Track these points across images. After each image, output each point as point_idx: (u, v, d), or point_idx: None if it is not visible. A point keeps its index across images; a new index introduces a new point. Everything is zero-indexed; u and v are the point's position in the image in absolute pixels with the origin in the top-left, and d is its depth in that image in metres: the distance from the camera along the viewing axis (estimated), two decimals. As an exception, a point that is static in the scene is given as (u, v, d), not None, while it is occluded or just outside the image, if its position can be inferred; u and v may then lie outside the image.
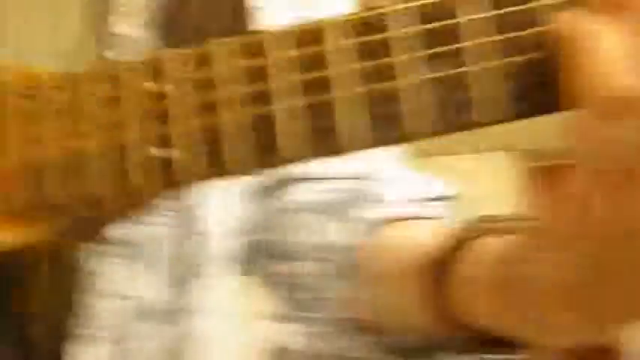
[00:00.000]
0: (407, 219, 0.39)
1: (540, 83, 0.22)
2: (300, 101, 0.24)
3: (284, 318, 0.42)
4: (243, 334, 0.46)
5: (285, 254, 0.43)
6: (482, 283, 0.27)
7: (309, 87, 0.24)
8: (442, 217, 0.39)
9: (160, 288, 0.40)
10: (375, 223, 0.38)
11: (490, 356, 0.30)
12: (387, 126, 0.23)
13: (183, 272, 0.41)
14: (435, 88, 0.23)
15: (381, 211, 0.39)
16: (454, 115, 0.23)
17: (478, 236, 0.30)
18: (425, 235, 0.33)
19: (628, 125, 0.19)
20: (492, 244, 0.28)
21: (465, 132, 0.23)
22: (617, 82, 0.19)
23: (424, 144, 0.25)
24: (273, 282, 0.44)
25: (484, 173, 3.94)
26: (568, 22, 0.21)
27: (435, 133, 0.23)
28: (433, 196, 0.41)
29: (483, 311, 0.27)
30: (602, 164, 0.20)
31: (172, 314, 0.40)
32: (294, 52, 0.24)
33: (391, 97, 0.23)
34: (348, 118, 0.23)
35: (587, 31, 0.20)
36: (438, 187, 0.42)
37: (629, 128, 0.19)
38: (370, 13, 0.24)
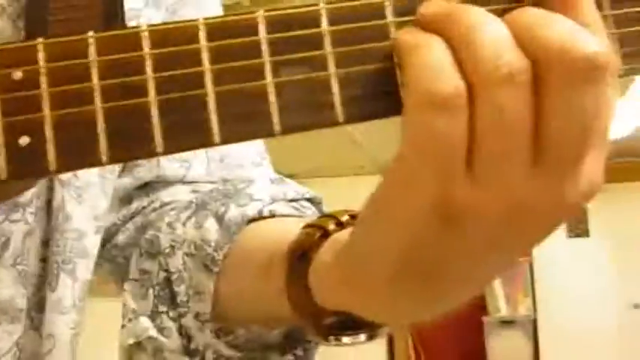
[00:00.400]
0: (273, 216, 0.41)
1: (391, 88, 0.25)
2: (171, 95, 0.25)
3: (154, 313, 0.43)
4: (112, 331, 0.47)
5: (154, 251, 0.44)
6: (331, 267, 0.30)
7: (179, 82, 0.25)
8: (306, 215, 0.42)
9: (20, 286, 0.39)
10: (243, 220, 0.40)
11: (347, 339, 0.33)
12: (255, 122, 0.25)
13: (47, 270, 0.41)
14: (299, 88, 0.25)
15: (249, 209, 0.41)
16: (317, 113, 0.25)
17: (338, 229, 0.32)
18: (289, 231, 0.35)
19: (443, 123, 0.22)
20: (345, 233, 0.30)
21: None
22: (435, 87, 0.22)
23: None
24: (142, 278, 0.45)
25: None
26: (403, 36, 0.25)
27: (298, 130, 0.25)
28: (298, 197, 0.44)
29: (332, 293, 0.30)
30: (424, 155, 0.23)
31: (32, 312, 0.40)
32: (164, 48, 0.25)
33: (259, 95, 0.25)
34: (217, 113, 0.25)
35: (415, 43, 0.24)
36: (301, 189, 0.45)
37: (444, 125, 0.22)
38: (239, 17, 0.26)
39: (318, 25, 0.25)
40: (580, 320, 4.72)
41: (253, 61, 0.25)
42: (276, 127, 0.25)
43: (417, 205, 0.24)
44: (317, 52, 0.25)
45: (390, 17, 0.26)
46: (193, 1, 0.50)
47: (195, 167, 0.49)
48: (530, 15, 0.23)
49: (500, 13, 0.24)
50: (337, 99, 0.25)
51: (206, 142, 0.25)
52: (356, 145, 4.18)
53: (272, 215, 0.41)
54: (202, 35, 0.25)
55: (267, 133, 0.25)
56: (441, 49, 0.23)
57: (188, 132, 0.25)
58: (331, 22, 0.25)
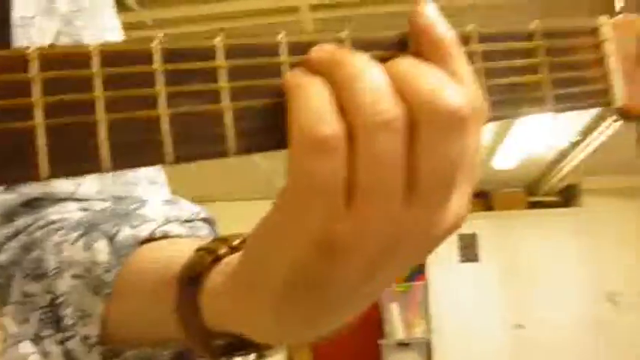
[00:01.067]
0: (166, 237, 0.41)
1: (281, 123, 0.26)
2: (60, 119, 0.25)
3: (38, 338, 0.41)
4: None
5: (39, 272, 0.42)
6: (221, 290, 0.31)
7: (69, 107, 0.25)
8: (199, 236, 0.42)
9: None
10: (135, 242, 0.40)
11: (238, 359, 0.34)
12: (146, 150, 0.25)
13: None
14: (193, 120, 0.26)
15: (141, 230, 0.41)
16: (209, 145, 0.26)
17: (230, 252, 0.33)
18: (181, 253, 0.35)
19: (322, 164, 0.24)
20: (236, 257, 0.31)
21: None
22: (315, 130, 0.24)
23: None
24: (25, 301, 0.43)
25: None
26: (290, 76, 0.26)
27: (191, 160, 0.26)
28: (192, 217, 0.44)
29: (222, 315, 0.31)
30: (305, 193, 0.24)
31: None
32: (54, 71, 0.25)
33: (152, 124, 0.25)
34: (108, 139, 0.25)
35: (298, 85, 0.25)
36: (195, 209, 0.45)
37: (323, 167, 0.24)
38: (136, 46, 0.26)
39: (213, 58, 0.26)
40: (471, 341, 4.95)
41: (148, 89, 0.25)
42: (168, 157, 0.25)
43: (300, 237, 0.25)
44: (212, 85, 0.26)
45: (284, 56, 0.27)
46: (89, 12, 0.49)
47: (87, 184, 0.47)
48: (406, 65, 0.26)
49: (384, 58, 0.26)
50: (230, 132, 0.26)
51: (95, 168, 0.25)
52: (265, 171, 4.18)
53: (165, 236, 0.41)
54: (96, 61, 0.25)
55: (158, 161, 0.25)
56: (323, 92, 0.25)
57: (76, 158, 0.25)
58: (228, 56, 0.26)
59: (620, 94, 0.31)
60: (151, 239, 0.40)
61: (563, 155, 4.10)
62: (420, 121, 0.24)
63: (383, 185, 0.24)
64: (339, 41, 0.27)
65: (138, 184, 0.49)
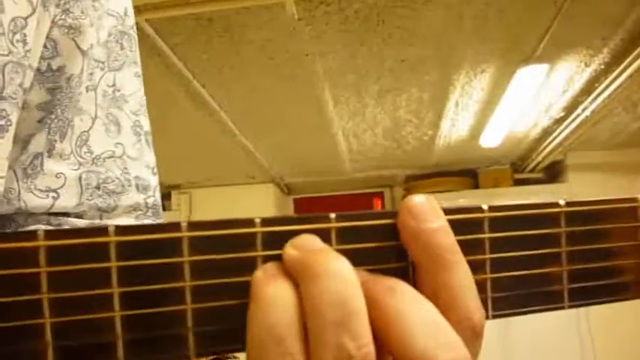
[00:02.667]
0: None
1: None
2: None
3: None
4: None
5: None
6: None
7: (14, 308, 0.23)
8: None
9: None
10: None
11: None
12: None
13: None
14: (151, 321, 0.24)
15: None
16: (173, 347, 0.24)
17: None
18: None
19: None
20: None
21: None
22: (275, 348, 0.23)
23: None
24: None
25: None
26: (258, 279, 0.25)
27: None
28: None
29: None
30: None
31: None
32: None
33: (105, 328, 0.23)
34: (53, 343, 0.23)
35: (263, 297, 0.24)
36: None
37: None
38: (87, 240, 0.24)
39: (180, 254, 0.24)
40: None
41: (99, 291, 0.23)
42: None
43: None
44: (175, 284, 0.24)
45: (259, 249, 0.25)
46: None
47: (65, 197, 0.46)
48: (394, 300, 0.24)
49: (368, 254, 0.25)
50: (192, 332, 0.24)
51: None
52: (248, 154, 4.18)
53: None
54: (43, 256, 0.23)
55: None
56: (286, 312, 0.23)
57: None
58: (192, 250, 0.24)
59: None
60: None
61: (547, 132, 4.13)
62: None
63: None
64: (324, 231, 0.25)
65: (123, 192, 0.48)
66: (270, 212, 5.04)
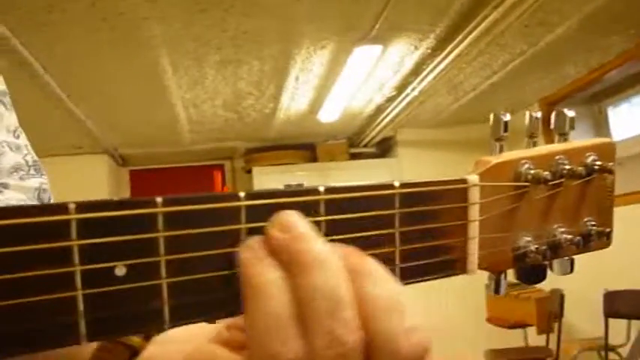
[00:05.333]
0: None
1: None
2: None
3: None
4: None
5: None
6: None
7: None
8: None
9: None
10: None
11: None
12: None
13: None
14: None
15: None
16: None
17: None
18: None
19: None
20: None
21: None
22: (275, 352, 0.24)
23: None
24: None
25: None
26: (248, 262, 0.25)
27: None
28: None
29: None
30: None
31: None
32: None
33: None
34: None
35: (257, 285, 0.24)
36: None
37: None
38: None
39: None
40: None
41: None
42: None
43: None
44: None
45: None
46: None
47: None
48: (378, 289, 0.26)
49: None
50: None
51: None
52: (78, 122, 3.87)
53: None
54: None
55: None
56: (281, 301, 0.24)
57: None
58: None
59: (475, 262, 0.30)
60: None
61: (380, 109, 4.38)
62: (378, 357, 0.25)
63: None
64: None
65: (1, 154, 0.48)
66: (104, 184, 4.76)
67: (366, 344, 0.25)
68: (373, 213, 0.26)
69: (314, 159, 5.19)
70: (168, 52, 2.95)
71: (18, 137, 0.53)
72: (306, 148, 5.13)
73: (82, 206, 0.22)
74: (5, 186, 0.45)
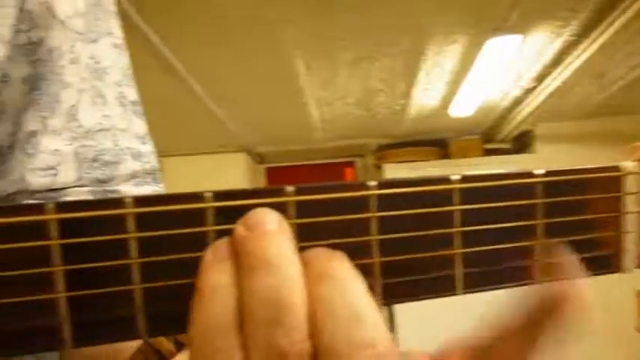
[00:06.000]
0: None
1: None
2: None
3: None
4: None
5: None
6: None
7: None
8: None
9: None
10: None
11: None
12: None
13: None
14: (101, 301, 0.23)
15: None
16: (125, 326, 0.23)
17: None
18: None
19: None
20: None
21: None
22: (209, 346, 0.22)
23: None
24: None
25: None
26: (206, 263, 0.23)
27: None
28: None
29: None
30: None
31: None
32: None
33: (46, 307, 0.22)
34: None
35: (207, 282, 0.23)
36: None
37: None
38: (29, 218, 0.22)
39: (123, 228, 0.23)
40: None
41: (41, 269, 0.22)
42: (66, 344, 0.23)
43: None
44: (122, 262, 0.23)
45: (210, 224, 0.24)
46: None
47: (64, 172, 0.46)
48: (331, 287, 0.23)
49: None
50: (142, 312, 0.24)
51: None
52: (219, 123, 4.12)
53: None
54: None
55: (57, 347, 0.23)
56: (224, 309, 0.23)
57: None
58: (140, 226, 0.23)
59: (632, 259, 0.26)
60: None
61: (517, 102, 4.16)
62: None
63: None
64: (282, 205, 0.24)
65: (120, 162, 0.49)
66: (242, 182, 5.01)
67: (315, 356, 0.22)
68: (513, 203, 0.24)
69: (446, 155, 5.06)
70: (301, 53, 3.04)
71: (144, 144, 0.54)
72: (437, 145, 5.02)
73: (219, 195, 0.23)
74: (116, 193, 0.47)
